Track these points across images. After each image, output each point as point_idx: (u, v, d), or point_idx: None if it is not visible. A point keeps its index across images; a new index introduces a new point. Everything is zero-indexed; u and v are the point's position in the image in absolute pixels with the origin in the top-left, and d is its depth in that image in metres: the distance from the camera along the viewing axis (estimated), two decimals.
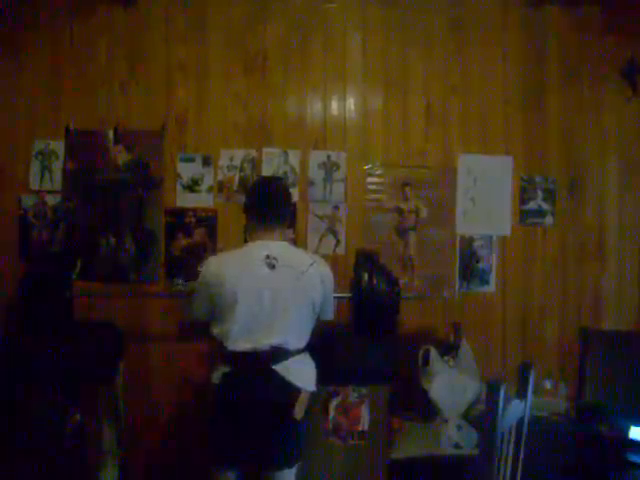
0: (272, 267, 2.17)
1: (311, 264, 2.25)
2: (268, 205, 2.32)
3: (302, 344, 2.23)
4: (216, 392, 2.18)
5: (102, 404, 2.64)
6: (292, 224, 3.16)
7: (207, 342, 2.46)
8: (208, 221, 3.19)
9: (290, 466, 2.21)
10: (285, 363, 2.15)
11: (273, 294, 2.16)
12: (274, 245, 2.25)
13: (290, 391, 2.13)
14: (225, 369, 2.17)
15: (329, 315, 2.39)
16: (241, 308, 2.14)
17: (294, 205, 3.20)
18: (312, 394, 2.22)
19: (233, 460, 2.18)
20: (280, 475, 2.19)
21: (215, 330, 2.21)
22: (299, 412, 2.14)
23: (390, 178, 3.27)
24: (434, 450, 2.63)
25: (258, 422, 2.11)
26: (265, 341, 2.13)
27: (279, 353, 2.14)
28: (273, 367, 2.13)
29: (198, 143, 3.21)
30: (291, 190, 3.16)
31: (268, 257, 2.18)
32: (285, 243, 2.30)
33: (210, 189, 3.20)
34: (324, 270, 2.31)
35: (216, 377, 2.19)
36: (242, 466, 2.20)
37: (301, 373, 2.19)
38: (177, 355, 3.09)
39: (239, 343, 2.14)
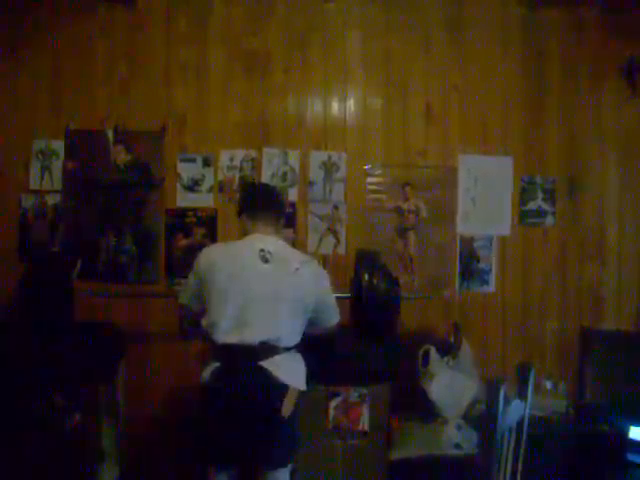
0: (265, 261, 2.17)
1: (305, 262, 2.25)
2: (263, 202, 2.34)
3: (293, 341, 2.20)
4: (204, 389, 2.16)
5: (102, 404, 2.64)
6: (290, 224, 3.16)
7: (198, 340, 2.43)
8: (208, 221, 3.19)
9: (281, 465, 2.18)
10: (274, 359, 2.12)
11: (264, 288, 2.15)
12: (270, 240, 2.25)
13: (278, 388, 2.10)
14: (214, 365, 2.15)
15: (331, 320, 2.35)
16: (230, 299, 2.12)
17: (293, 205, 3.21)
18: (301, 393, 2.18)
19: (223, 459, 2.16)
20: (273, 474, 2.17)
21: (204, 322, 2.20)
22: (286, 410, 2.10)
23: (390, 178, 3.27)
24: (434, 450, 2.62)
25: (245, 420, 2.08)
26: (254, 335, 2.11)
27: (268, 349, 2.12)
28: (261, 363, 2.10)
29: (198, 143, 3.22)
30: (291, 190, 3.21)
31: (262, 251, 2.18)
32: (281, 241, 2.30)
33: (210, 189, 3.20)
34: (318, 271, 2.31)
35: (205, 374, 2.17)
36: (233, 465, 2.18)
37: (290, 370, 2.16)
38: (177, 355, 3.09)
39: (228, 336, 2.12)
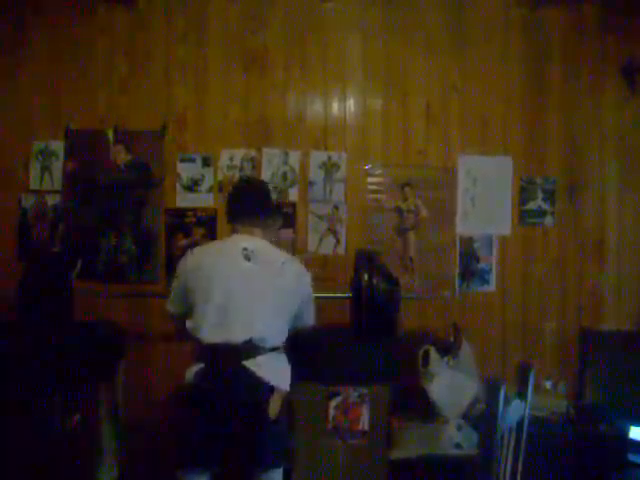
0: (248, 259, 2.17)
1: (287, 261, 2.26)
2: (245, 205, 2.33)
3: (278, 342, 2.19)
4: (189, 391, 2.15)
5: (102, 404, 2.64)
6: (290, 224, 3.18)
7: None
8: (208, 221, 3.19)
9: (274, 466, 2.17)
10: (259, 360, 2.10)
11: (247, 286, 2.14)
12: (253, 240, 2.24)
13: (262, 389, 2.09)
14: (199, 365, 2.14)
15: (308, 320, 2.36)
16: (213, 298, 2.12)
17: (293, 205, 3.21)
18: (289, 393, 2.17)
19: (206, 461, 2.14)
20: (266, 475, 2.16)
21: (189, 324, 2.19)
22: (273, 411, 2.08)
23: (390, 178, 3.27)
24: (434, 450, 2.62)
25: (229, 421, 2.07)
26: (238, 335, 2.10)
27: (252, 349, 2.11)
28: (245, 363, 2.08)
29: (198, 143, 3.21)
30: (291, 190, 3.21)
31: (245, 249, 2.18)
32: (264, 241, 2.28)
33: (210, 189, 3.20)
34: (301, 270, 2.30)
35: (189, 375, 2.16)
36: (217, 467, 2.17)
37: (275, 371, 2.15)
38: (177, 355, 3.08)
39: (212, 335, 2.11)
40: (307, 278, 2.32)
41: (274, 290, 2.18)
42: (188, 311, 2.21)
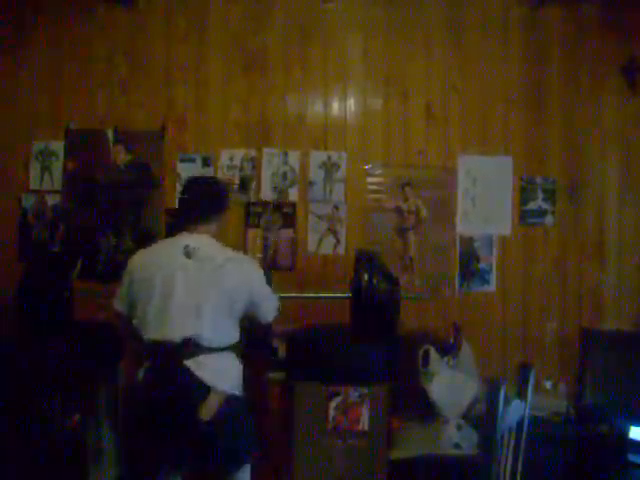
0: (188, 256, 2.15)
1: (231, 259, 2.22)
2: (190, 204, 2.32)
3: (222, 341, 2.14)
4: (139, 389, 2.14)
5: (101, 405, 2.64)
6: (290, 224, 3.19)
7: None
8: None
9: (230, 467, 2.16)
10: (200, 359, 2.07)
11: (186, 283, 2.12)
12: (197, 237, 2.22)
13: (198, 389, 2.05)
14: (146, 364, 2.14)
15: (266, 316, 2.31)
16: (155, 295, 2.12)
17: (293, 205, 3.21)
18: (233, 396, 2.12)
19: (163, 461, 2.13)
20: (235, 476, 2.18)
21: (135, 322, 2.19)
22: (206, 413, 2.04)
23: (390, 178, 3.27)
24: (434, 450, 2.62)
25: (170, 422, 2.03)
26: (176, 332, 2.07)
27: (192, 347, 2.07)
28: (185, 362, 2.05)
29: (198, 143, 3.22)
30: (291, 190, 3.21)
31: (187, 247, 2.17)
32: (210, 238, 2.26)
33: None
34: (248, 267, 2.27)
35: (140, 374, 2.15)
36: (180, 467, 2.16)
37: (217, 371, 2.10)
38: None
39: (153, 332, 2.11)
40: (256, 279, 2.27)
41: (215, 288, 2.14)
42: (133, 309, 2.21)
